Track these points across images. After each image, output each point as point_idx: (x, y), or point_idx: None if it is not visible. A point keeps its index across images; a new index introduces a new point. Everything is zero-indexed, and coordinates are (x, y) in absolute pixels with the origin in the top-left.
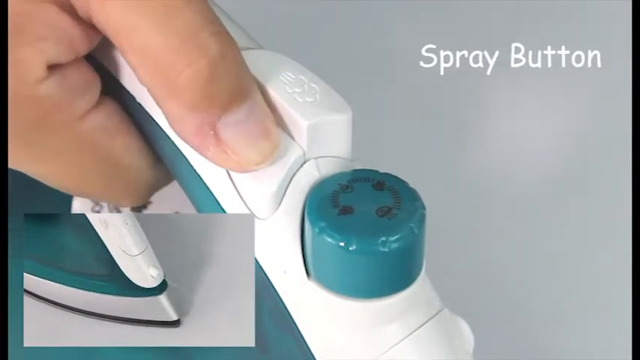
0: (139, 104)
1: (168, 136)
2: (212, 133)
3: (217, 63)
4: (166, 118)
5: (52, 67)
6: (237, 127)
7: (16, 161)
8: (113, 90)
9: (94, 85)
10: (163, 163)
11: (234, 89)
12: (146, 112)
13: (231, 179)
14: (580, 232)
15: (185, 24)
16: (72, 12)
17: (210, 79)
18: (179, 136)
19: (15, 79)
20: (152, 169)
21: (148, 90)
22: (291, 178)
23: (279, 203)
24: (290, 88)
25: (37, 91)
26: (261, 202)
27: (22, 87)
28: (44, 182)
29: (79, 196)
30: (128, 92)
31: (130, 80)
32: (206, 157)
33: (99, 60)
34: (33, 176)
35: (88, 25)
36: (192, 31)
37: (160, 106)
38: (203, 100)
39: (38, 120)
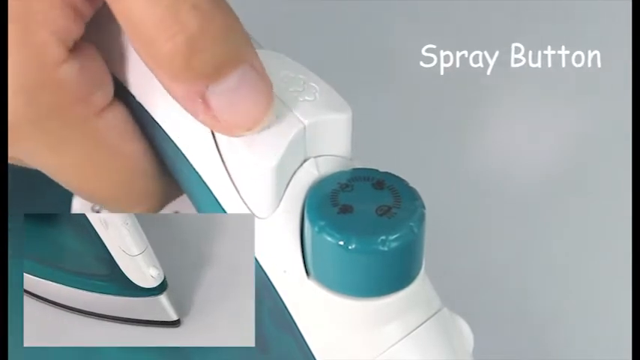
0: (141, 105)
1: (169, 137)
2: (200, 100)
3: (196, 38)
4: (159, 83)
5: (72, 51)
6: (227, 95)
7: (27, 150)
8: (118, 93)
9: (108, 80)
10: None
11: (219, 60)
12: (147, 113)
13: (230, 179)
14: (580, 232)
15: None
16: None
17: (189, 54)
18: (173, 99)
19: (33, 63)
20: (164, 178)
21: (139, 57)
22: (291, 177)
23: (279, 202)
24: (290, 88)
25: (56, 74)
26: (261, 181)
27: (41, 71)
28: (53, 177)
29: (90, 199)
30: (130, 94)
31: (131, 81)
32: (197, 120)
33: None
34: (42, 169)
35: None
36: (172, 4)
37: (153, 73)
38: (186, 73)
39: (56, 107)
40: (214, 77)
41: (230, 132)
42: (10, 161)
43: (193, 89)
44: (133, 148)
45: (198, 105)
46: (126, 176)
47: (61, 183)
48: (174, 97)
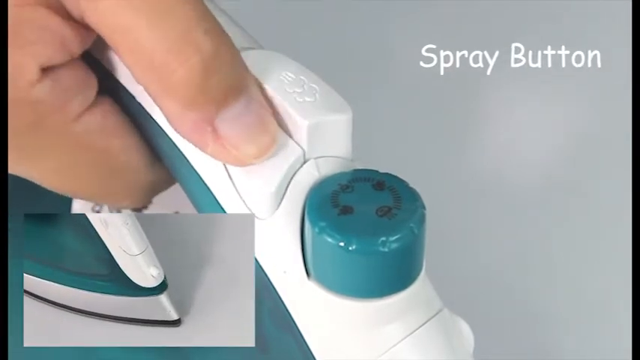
0: (138, 103)
1: (167, 135)
2: (210, 129)
3: (211, 60)
4: (165, 116)
5: (46, 70)
6: (235, 122)
7: (10, 164)
8: (111, 88)
9: (88, 85)
10: (163, 163)
11: (229, 84)
12: (145, 110)
13: (231, 179)
14: (580, 232)
15: (178, 22)
16: (63, 13)
17: (204, 76)
18: (178, 133)
19: (9, 83)
20: (152, 170)
21: (145, 89)
22: (291, 178)
23: (279, 203)
24: (290, 88)
25: (30, 95)
26: (260, 201)
27: (16, 91)
28: (38, 183)
29: (76, 197)
30: (126, 90)
31: (128, 78)
32: (206, 152)
33: (97, 58)
34: (28, 179)
35: (81, 25)
36: (185, 30)
37: (158, 105)
38: (199, 97)
39: (32, 123)
40: (224, 102)
41: (240, 161)
42: None
43: (204, 116)
44: (116, 144)
45: (208, 134)
46: (110, 173)
47: (46, 187)
48: (182, 130)
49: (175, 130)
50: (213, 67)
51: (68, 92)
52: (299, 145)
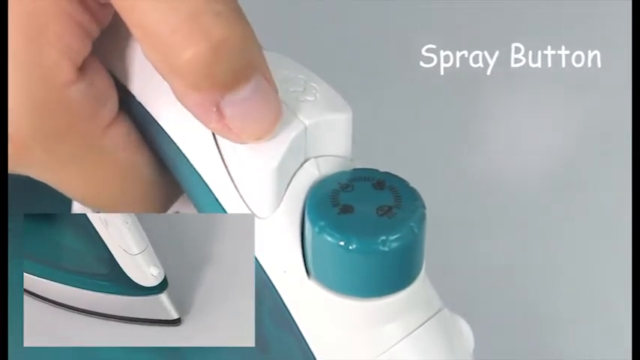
0: (141, 105)
1: (170, 138)
2: (215, 109)
3: (219, 46)
4: (172, 90)
5: (80, 70)
6: (241, 105)
7: (34, 167)
8: (120, 98)
9: (114, 92)
10: (170, 171)
11: (238, 70)
12: (147, 112)
13: (231, 179)
14: (580, 231)
15: (184, 2)
16: None
17: (211, 62)
18: (184, 107)
19: (43, 84)
20: (165, 182)
21: (152, 64)
22: (293, 176)
23: (279, 202)
24: (290, 88)
25: (65, 95)
26: (262, 182)
27: (51, 92)
28: (58, 189)
29: (94, 207)
30: (129, 93)
31: (132, 82)
32: (208, 128)
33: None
34: (48, 183)
35: (93, 5)
36: (193, 11)
37: (165, 80)
38: (204, 82)
39: (65, 127)
40: (232, 86)
41: (241, 140)
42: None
43: (210, 98)
44: (136, 158)
45: (212, 114)
46: (130, 186)
47: (65, 194)
48: (187, 105)
49: (181, 104)
50: (222, 54)
51: (99, 98)
52: (302, 121)
